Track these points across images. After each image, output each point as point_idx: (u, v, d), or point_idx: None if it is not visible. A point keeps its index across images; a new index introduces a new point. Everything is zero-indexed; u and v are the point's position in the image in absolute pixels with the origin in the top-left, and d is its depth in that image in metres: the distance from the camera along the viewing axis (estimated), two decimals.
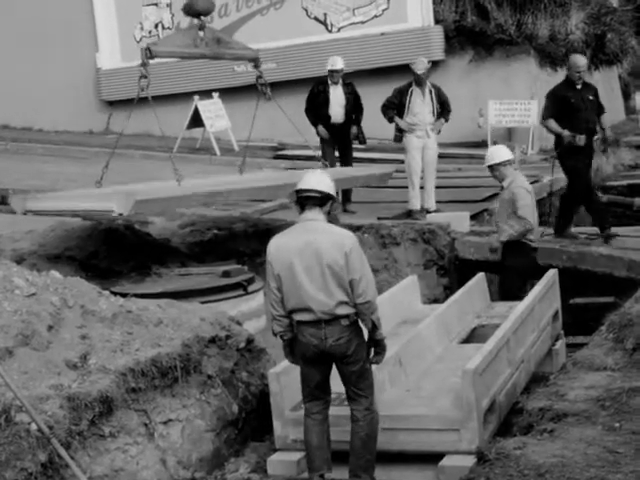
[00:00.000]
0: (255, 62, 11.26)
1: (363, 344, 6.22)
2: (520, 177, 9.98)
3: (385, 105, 12.71)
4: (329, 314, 6.06)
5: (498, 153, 9.91)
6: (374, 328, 6.14)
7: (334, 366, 6.30)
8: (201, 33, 10.52)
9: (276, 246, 6.23)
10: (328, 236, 6.12)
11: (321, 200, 6.21)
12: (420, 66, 12.47)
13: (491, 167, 9.86)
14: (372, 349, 6.27)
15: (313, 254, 6.05)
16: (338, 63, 13.11)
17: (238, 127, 19.89)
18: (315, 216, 6.20)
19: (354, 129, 13.23)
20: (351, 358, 6.14)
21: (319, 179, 6.30)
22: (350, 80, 13.49)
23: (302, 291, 6.05)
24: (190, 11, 10.67)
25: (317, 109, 13.09)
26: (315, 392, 6.31)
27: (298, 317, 6.14)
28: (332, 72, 13.08)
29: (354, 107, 13.21)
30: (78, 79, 22.16)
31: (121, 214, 9.24)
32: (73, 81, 22.09)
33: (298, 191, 6.25)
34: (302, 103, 13.35)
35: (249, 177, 12.26)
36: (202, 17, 10.56)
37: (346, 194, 13.14)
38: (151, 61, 22.49)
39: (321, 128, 13.13)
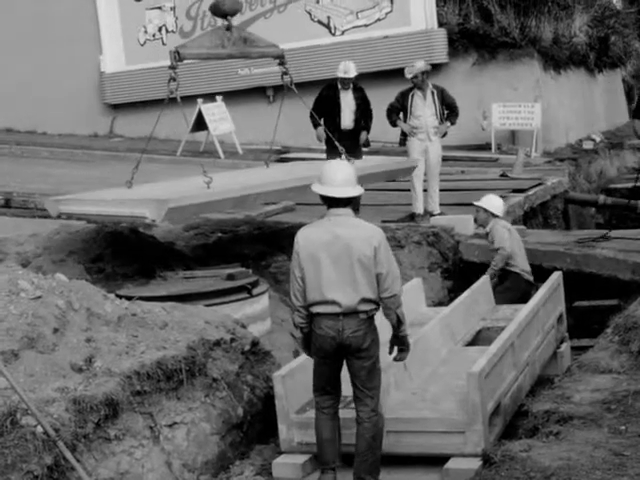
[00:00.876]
0: (280, 59, 11.27)
1: (377, 342, 6.23)
2: (501, 223, 10.50)
3: (389, 109, 12.73)
4: (351, 309, 6.07)
5: (496, 204, 10.56)
6: (399, 323, 6.16)
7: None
8: (228, 33, 10.51)
9: (304, 237, 6.22)
10: (358, 230, 6.13)
11: (349, 199, 6.22)
12: (407, 69, 12.60)
13: (481, 209, 10.48)
14: (395, 347, 6.30)
15: (343, 248, 6.06)
16: (351, 71, 12.66)
17: (241, 130, 19.94)
18: (343, 211, 6.20)
19: (363, 135, 12.87)
20: (364, 352, 6.13)
21: (345, 178, 6.18)
22: (359, 84, 13.04)
23: (327, 284, 6.05)
24: (217, 12, 10.64)
25: (326, 114, 12.64)
26: (327, 387, 6.31)
27: (317, 309, 6.13)
28: (344, 79, 12.67)
29: (364, 113, 12.88)
30: (82, 82, 22.20)
31: (154, 220, 9.24)
32: (77, 84, 22.13)
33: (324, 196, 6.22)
34: (305, 106, 13.04)
35: (274, 172, 12.03)
36: (229, 17, 10.54)
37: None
38: (152, 65, 22.49)
39: (320, 130, 12.59)
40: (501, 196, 14.26)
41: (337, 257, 6.06)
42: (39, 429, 5.58)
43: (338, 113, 12.71)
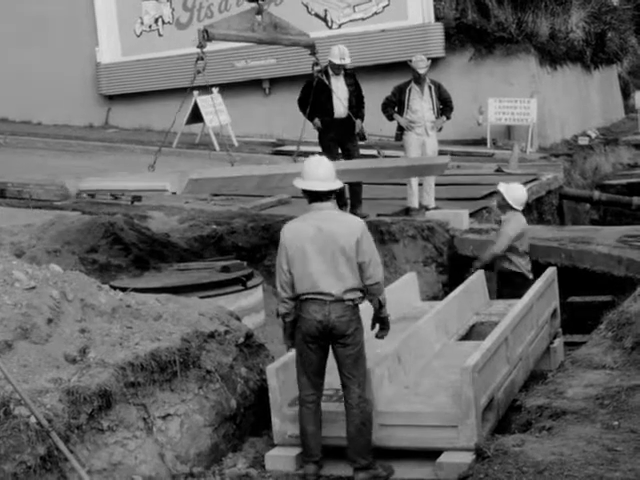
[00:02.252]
0: (311, 49, 11.19)
1: (361, 330, 6.46)
2: (517, 219, 9.91)
3: (385, 103, 12.65)
4: (339, 297, 6.30)
5: (516, 196, 9.89)
6: (381, 306, 6.45)
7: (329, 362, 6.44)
8: (259, 17, 10.42)
9: (289, 230, 6.48)
10: (340, 223, 6.38)
11: (330, 192, 6.47)
12: (421, 64, 12.35)
13: (500, 195, 9.95)
14: (377, 325, 6.56)
15: (327, 239, 6.31)
16: (346, 57, 12.06)
17: (237, 122, 19.92)
18: (326, 205, 6.45)
19: (358, 123, 12.20)
20: (349, 339, 6.35)
21: (327, 173, 6.44)
22: (351, 70, 12.49)
23: (316, 275, 6.30)
24: None
25: (316, 102, 12.02)
26: (311, 377, 6.47)
27: (305, 296, 6.35)
28: (338, 65, 12.04)
29: (357, 100, 12.26)
30: (78, 73, 22.16)
31: (174, 193, 9.24)
32: (73, 75, 22.08)
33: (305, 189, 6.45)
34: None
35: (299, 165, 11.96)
36: (260, 1, 10.46)
37: (356, 194, 12.33)
38: (148, 56, 22.45)
39: (317, 121, 12.12)
40: (495, 192, 14.31)
41: (323, 249, 6.30)
42: (32, 420, 5.57)
43: (330, 101, 12.05)
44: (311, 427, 6.52)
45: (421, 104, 12.50)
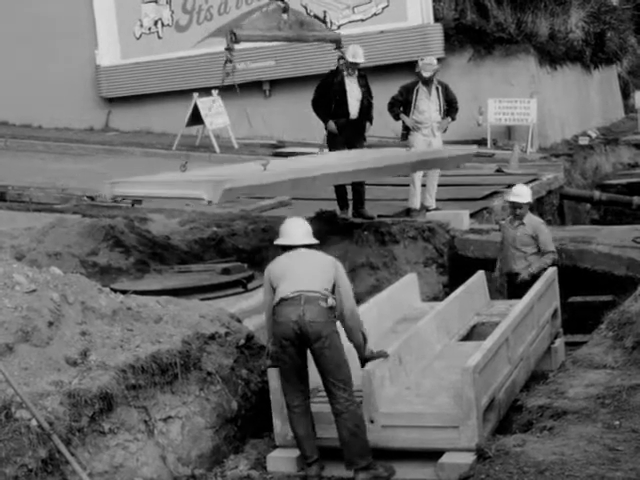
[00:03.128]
0: (337, 44, 11.19)
1: (339, 335, 6.56)
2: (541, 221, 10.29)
3: (391, 103, 12.49)
4: (311, 292, 6.46)
5: (527, 193, 10.12)
6: (365, 341, 6.70)
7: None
8: (284, 16, 10.44)
9: (272, 268, 6.77)
10: (318, 256, 6.77)
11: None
12: (428, 68, 12.22)
13: (518, 204, 10.00)
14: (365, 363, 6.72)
15: (307, 260, 6.69)
16: (360, 55, 11.89)
17: (237, 125, 19.93)
18: (304, 249, 6.80)
19: (368, 126, 12.27)
20: (327, 341, 6.40)
21: (304, 232, 6.85)
22: (364, 72, 12.39)
23: (293, 278, 6.54)
24: None
25: (331, 103, 11.82)
26: (293, 382, 6.54)
27: (280, 300, 6.50)
28: (353, 64, 11.85)
29: (368, 102, 12.17)
30: (77, 76, 22.15)
31: (210, 202, 9.24)
32: (72, 78, 22.07)
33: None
34: (301, 100, 12.62)
35: (327, 158, 11.79)
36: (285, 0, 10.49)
37: (358, 194, 12.27)
38: (147, 58, 22.46)
39: (331, 123, 12.12)
40: (496, 192, 14.35)
41: (300, 264, 6.63)
42: (34, 422, 5.58)
43: (345, 101, 11.95)
44: (301, 431, 6.58)
45: (428, 105, 12.38)
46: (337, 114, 12.02)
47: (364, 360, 6.69)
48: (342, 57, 10.98)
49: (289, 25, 10.49)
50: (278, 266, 6.74)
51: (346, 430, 6.41)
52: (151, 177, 10.50)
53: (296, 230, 6.88)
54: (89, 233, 10.27)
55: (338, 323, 6.63)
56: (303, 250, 6.78)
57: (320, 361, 6.44)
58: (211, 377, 7.00)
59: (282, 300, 6.49)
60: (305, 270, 6.58)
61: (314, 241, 6.90)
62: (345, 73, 11.99)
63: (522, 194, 10.10)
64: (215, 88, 19.64)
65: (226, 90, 20.06)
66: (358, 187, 12.26)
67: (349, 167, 10.67)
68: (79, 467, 5.66)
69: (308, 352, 6.52)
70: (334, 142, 12.23)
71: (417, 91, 12.33)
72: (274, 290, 6.63)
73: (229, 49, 9.99)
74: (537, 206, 15.20)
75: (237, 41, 10.08)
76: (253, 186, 9.52)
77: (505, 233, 10.20)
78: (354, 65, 11.95)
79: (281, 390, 6.67)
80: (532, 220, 10.07)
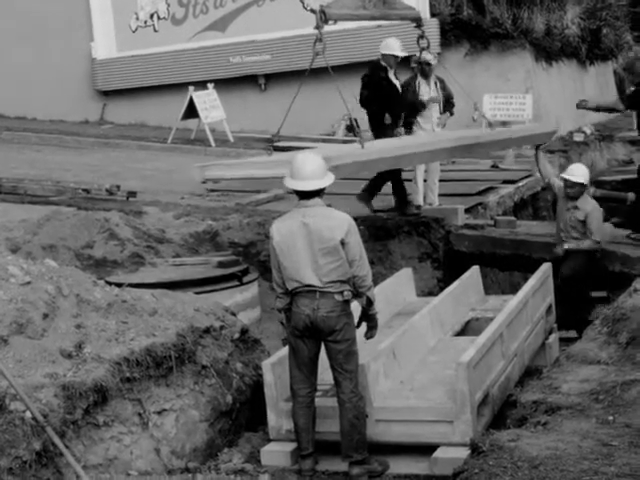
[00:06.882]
0: (417, 22, 11.18)
1: (352, 326, 6.49)
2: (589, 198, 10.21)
3: None
4: (323, 290, 6.34)
5: (581, 173, 10.04)
6: (369, 303, 6.48)
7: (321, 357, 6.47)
8: None
9: (277, 229, 6.51)
10: (327, 220, 6.38)
11: (318, 190, 6.45)
12: (429, 56, 12.10)
13: (570, 183, 9.94)
14: (366, 325, 6.59)
15: (313, 234, 6.33)
16: (399, 47, 11.67)
17: (233, 118, 19.91)
18: (313, 202, 6.44)
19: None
20: (339, 335, 6.38)
21: (314, 170, 6.42)
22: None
23: (301, 268, 6.35)
24: None
25: (382, 99, 11.57)
26: (303, 371, 6.50)
27: (296, 290, 6.42)
28: (395, 57, 11.69)
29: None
30: (73, 69, 22.11)
31: None
32: (68, 71, 22.04)
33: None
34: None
35: (421, 138, 11.66)
36: None
37: (401, 194, 12.19)
38: (143, 51, 22.40)
39: (387, 117, 11.72)
40: (491, 187, 14.36)
41: (309, 244, 6.33)
42: (28, 414, 5.58)
43: (397, 95, 11.76)
44: (302, 421, 6.54)
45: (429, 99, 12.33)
46: (389, 110, 11.73)
47: (366, 317, 6.57)
48: (422, 36, 10.94)
49: (373, 3, 10.47)
50: (285, 237, 6.40)
51: (347, 421, 6.43)
52: (240, 160, 10.41)
53: (305, 168, 6.39)
54: (84, 226, 10.25)
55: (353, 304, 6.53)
56: (312, 210, 6.37)
57: (330, 350, 6.45)
58: (206, 370, 7.00)
59: (297, 291, 6.41)
60: (314, 257, 6.30)
61: (329, 181, 6.48)
62: (388, 67, 11.70)
63: (575, 172, 9.99)
64: (210, 82, 19.70)
65: (222, 84, 20.14)
66: (400, 190, 12.15)
67: (447, 144, 10.82)
68: (73, 459, 5.66)
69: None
70: (386, 136, 11.81)
71: (418, 85, 12.22)
72: (279, 260, 6.44)
73: (318, 27, 9.74)
74: (532, 202, 15.24)
75: (327, 20, 9.93)
76: (354, 163, 9.38)
77: (559, 209, 10.18)
78: (397, 59, 11.74)
79: (289, 377, 6.58)
80: (586, 204, 9.96)
